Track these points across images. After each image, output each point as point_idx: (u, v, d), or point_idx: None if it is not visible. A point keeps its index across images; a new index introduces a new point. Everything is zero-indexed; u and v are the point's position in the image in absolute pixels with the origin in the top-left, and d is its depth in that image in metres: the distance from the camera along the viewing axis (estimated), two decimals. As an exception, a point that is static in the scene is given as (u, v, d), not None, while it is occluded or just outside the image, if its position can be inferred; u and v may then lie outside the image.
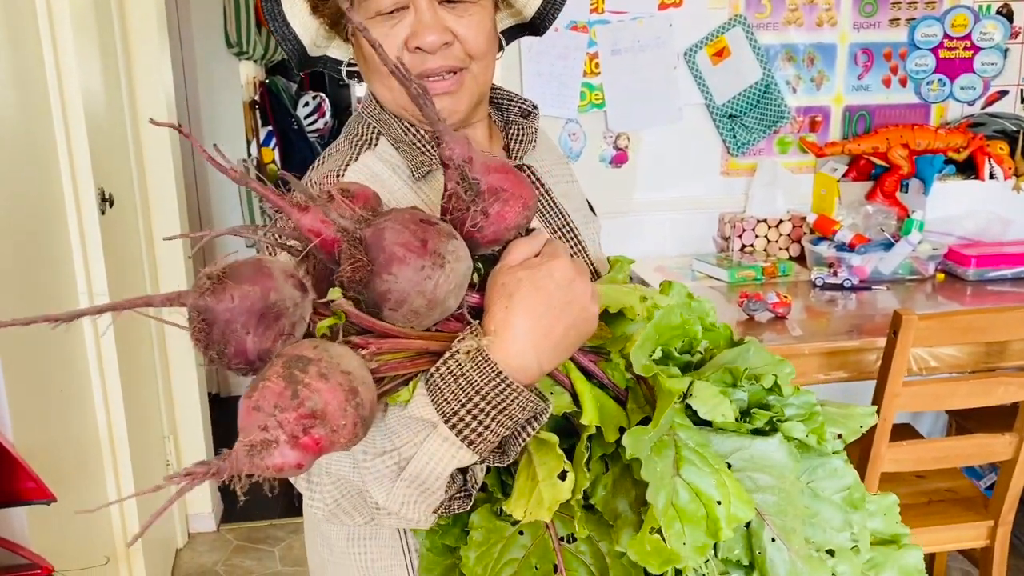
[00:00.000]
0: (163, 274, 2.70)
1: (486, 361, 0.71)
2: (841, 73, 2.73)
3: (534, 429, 0.74)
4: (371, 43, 0.71)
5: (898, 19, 2.70)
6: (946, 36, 2.73)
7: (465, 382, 0.71)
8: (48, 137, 1.91)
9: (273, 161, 3.98)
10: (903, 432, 2.27)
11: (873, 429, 1.79)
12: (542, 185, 1.06)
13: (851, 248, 2.44)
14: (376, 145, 0.99)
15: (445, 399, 0.71)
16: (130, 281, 2.40)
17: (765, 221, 2.69)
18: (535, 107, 1.12)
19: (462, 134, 0.81)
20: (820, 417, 0.78)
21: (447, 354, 0.72)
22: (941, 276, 2.46)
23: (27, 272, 1.71)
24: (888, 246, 2.44)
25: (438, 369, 0.72)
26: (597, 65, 2.60)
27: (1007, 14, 2.74)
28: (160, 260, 2.69)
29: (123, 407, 2.13)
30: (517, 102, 1.11)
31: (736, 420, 0.76)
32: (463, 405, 0.71)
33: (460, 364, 0.72)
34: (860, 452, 1.82)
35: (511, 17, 1.09)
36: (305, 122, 4.36)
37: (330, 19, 0.97)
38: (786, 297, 2.16)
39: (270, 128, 4.02)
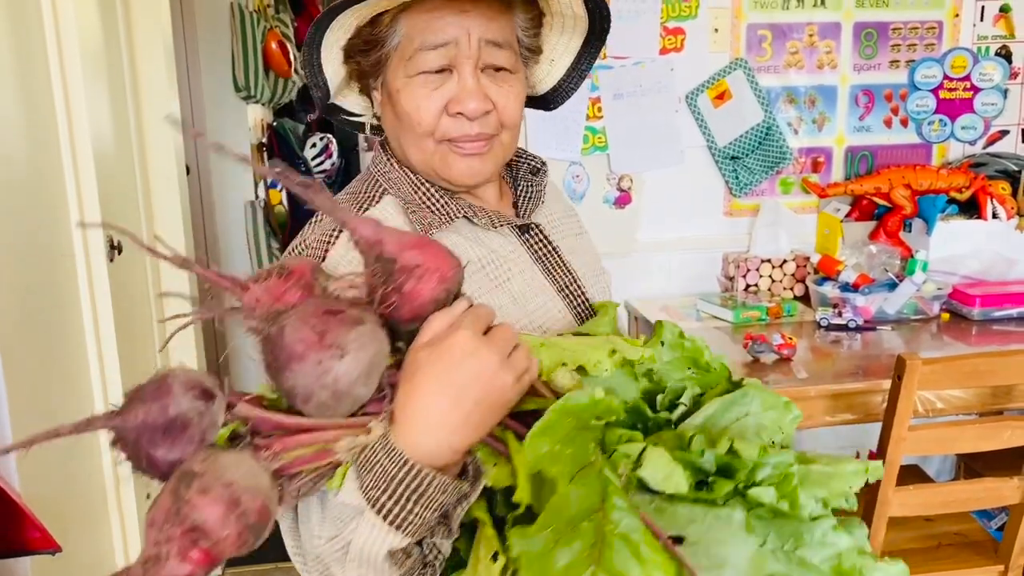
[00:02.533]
0: (169, 307, 2.71)
1: (393, 449, 0.71)
2: (842, 114, 2.75)
3: (463, 508, 0.74)
4: (259, 171, 0.75)
5: (898, 61, 2.73)
6: (946, 77, 2.75)
7: (381, 470, 0.71)
8: (58, 183, 1.93)
9: (281, 202, 4.02)
10: (911, 474, 2.25)
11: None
12: (549, 243, 1.07)
13: (855, 288, 2.45)
14: (379, 203, 1.00)
15: (368, 486, 0.72)
16: (137, 329, 2.41)
17: (769, 261, 2.69)
18: (544, 164, 1.13)
19: (370, 216, 0.86)
20: (794, 480, 0.72)
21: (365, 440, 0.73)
22: (946, 316, 2.46)
23: (36, 319, 1.72)
24: (892, 286, 2.45)
25: (360, 456, 0.73)
26: (600, 109, 2.63)
27: (1006, 55, 2.77)
28: (167, 307, 2.71)
29: (129, 453, 2.13)
30: (527, 159, 1.13)
31: (702, 484, 0.72)
32: (384, 492, 0.71)
33: (374, 451, 0.72)
34: (867, 496, 1.80)
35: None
36: (312, 163, 4.40)
37: (358, 71, 0.99)
38: (791, 339, 2.16)
39: (277, 170, 4.06)
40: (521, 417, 0.77)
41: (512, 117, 0.97)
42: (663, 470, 0.71)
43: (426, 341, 0.73)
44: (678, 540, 0.71)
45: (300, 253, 0.95)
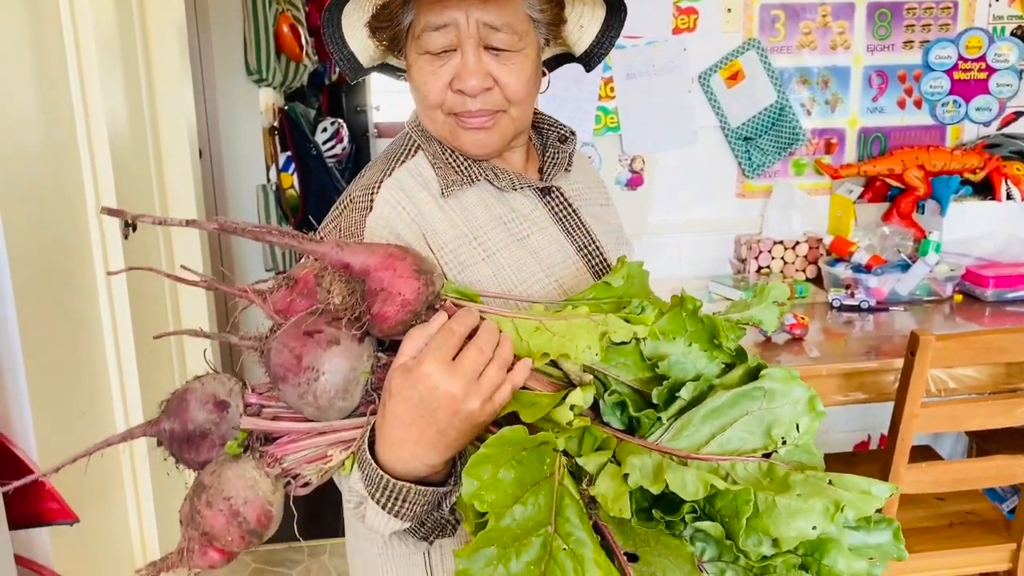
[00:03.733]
0: (183, 300, 2.73)
1: (375, 462, 0.80)
2: (856, 95, 2.74)
3: (450, 501, 0.83)
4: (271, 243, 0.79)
5: (912, 42, 2.72)
6: (960, 58, 2.74)
7: (371, 473, 0.80)
8: (74, 165, 1.95)
9: (292, 186, 4.03)
10: (923, 454, 2.25)
11: (892, 450, 1.78)
12: (569, 205, 1.12)
13: (868, 269, 2.44)
14: (413, 157, 1.07)
15: (365, 483, 0.81)
16: (151, 306, 2.43)
17: (782, 243, 2.69)
18: (573, 133, 1.18)
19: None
20: (744, 516, 0.69)
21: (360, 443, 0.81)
22: (959, 297, 2.45)
23: (52, 296, 1.74)
24: (905, 267, 2.44)
25: (359, 452, 0.81)
26: (612, 89, 2.62)
27: (1022, 36, 2.74)
28: (181, 286, 2.72)
29: (144, 429, 2.15)
30: (556, 127, 1.18)
31: (661, 502, 0.71)
32: (376, 490, 0.80)
33: (365, 457, 0.80)
34: (879, 474, 1.80)
35: (560, 47, 1.14)
36: (323, 147, 4.41)
37: (387, 43, 1.04)
38: (803, 319, 2.16)
39: (289, 154, 4.07)
40: (509, 417, 0.79)
41: (517, 92, 1.01)
42: (612, 492, 0.71)
43: (401, 365, 0.78)
44: (633, 558, 0.72)
45: (347, 206, 1.03)
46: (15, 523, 1.42)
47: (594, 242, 1.12)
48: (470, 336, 0.79)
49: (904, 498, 1.81)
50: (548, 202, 1.11)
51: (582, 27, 1.09)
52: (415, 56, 1.01)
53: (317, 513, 2.82)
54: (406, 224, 1.01)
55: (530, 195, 1.10)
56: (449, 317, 0.80)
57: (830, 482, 0.72)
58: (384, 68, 1.13)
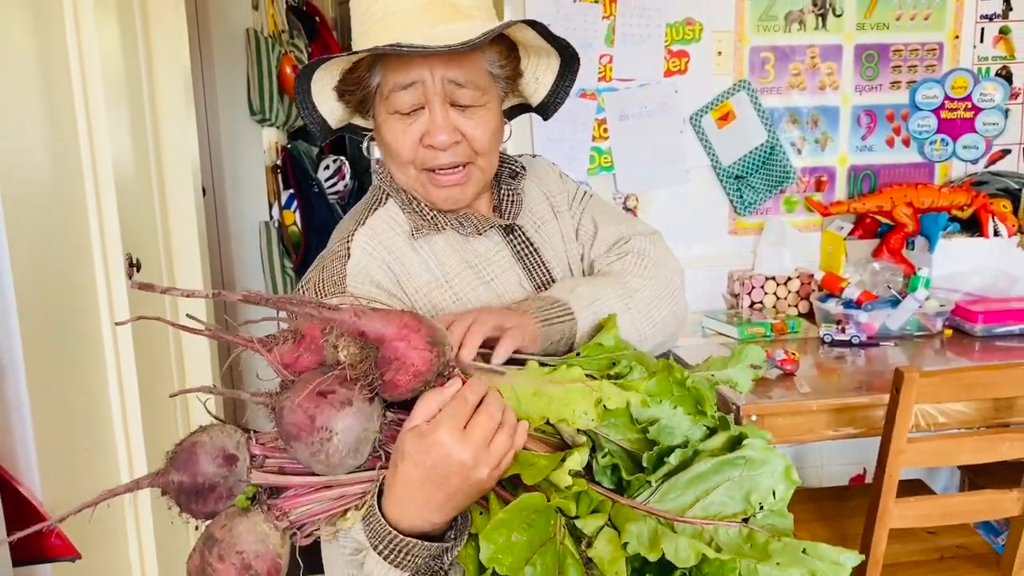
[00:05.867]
0: (186, 338, 2.77)
1: (382, 517, 0.83)
2: (845, 134, 2.80)
3: (451, 555, 0.86)
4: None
5: (899, 82, 2.78)
6: (947, 98, 2.80)
7: (377, 525, 0.84)
8: (79, 204, 1.99)
9: (294, 223, 4.08)
10: (914, 488, 2.27)
11: (881, 484, 1.81)
12: (530, 243, 1.18)
13: (859, 305, 2.48)
14: (384, 206, 1.14)
15: (369, 534, 0.85)
16: (155, 345, 2.47)
17: (773, 278, 2.73)
18: (524, 168, 1.23)
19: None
20: None
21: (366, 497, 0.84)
22: (949, 332, 2.49)
23: (57, 332, 1.78)
24: (895, 303, 2.48)
25: (363, 508, 0.85)
26: (605, 130, 2.69)
27: (1006, 76, 2.81)
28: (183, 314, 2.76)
29: (146, 466, 2.18)
30: (508, 163, 1.22)
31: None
32: (379, 542, 0.84)
33: (373, 511, 0.84)
34: (868, 508, 1.83)
35: (518, 99, 1.20)
36: (326, 184, 4.46)
37: (356, 105, 1.10)
38: (794, 354, 2.19)
39: (292, 191, 4.13)
40: (509, 478, 0.85)
41: (483, 144, 1.07)
42: (609, 556, 0.78)
43: (413, 428, 0.81)
44: None
45: (327, 258, 1.10)
46: (18, 559, 1.44)
47: (552, 280, 1.18)
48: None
49: (895, 532, 1.83)
50: (511, 240, 1.17)
51: (537, 79, 1.15)
52: (385, 116, 1.06)
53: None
54: (382, 271, 1.07)
55: (494, 235, 1.16)
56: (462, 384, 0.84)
57: (804, 551, 0.78)
58: (350, 127, 1.18)
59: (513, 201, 1.19)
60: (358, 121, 1.17)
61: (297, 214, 4.09)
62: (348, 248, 1.08)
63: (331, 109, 1.11)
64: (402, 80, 1.02)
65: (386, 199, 1.14)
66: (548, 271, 1.18)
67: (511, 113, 1.22)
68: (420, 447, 0.80)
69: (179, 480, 0.80)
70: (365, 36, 1.03)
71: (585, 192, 1.32)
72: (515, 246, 1.17)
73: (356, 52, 1.01)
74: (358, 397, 0.80)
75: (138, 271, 2.25)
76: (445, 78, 1.02)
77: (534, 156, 1.34)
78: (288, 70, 3.75)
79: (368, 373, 0.80)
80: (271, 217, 3.91)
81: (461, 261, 1.12)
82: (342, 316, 0.79)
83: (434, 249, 1.11)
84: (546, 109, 1.18)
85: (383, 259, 1.08)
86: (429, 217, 1.11)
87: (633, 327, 1.08)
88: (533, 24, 1.04)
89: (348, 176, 4.73)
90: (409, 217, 1.11)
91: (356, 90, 1.07)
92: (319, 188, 4.26)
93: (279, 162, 4.15)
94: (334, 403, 0.79)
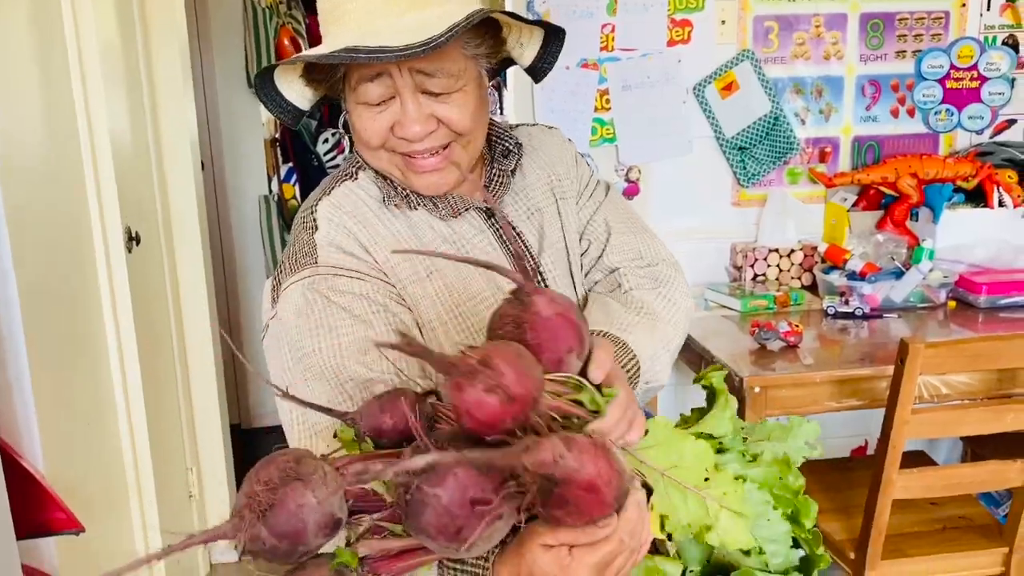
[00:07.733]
0: (187, 311, 2.76)
1: None
2: (849, 104, 2.77)
3: None
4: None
5: (904, 51, 2.75)
6: (953, 67, 2.77)
7: None
8: (78, 178, 1.98)
9: (294, 196, 4.06)
10: (917, 460, 2.27)
11: (884, 455, 1.81)
12: (513, 228, 1.12)
13: (862, 277, 2.47)
14: (356, 178, 1.09)
15: None
16: (155, 318, 2.46)
17: (777, 251, 2.72)
18: (518, 146, 1.16)
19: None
20: None
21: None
22: (953, 304, 2.48)
23: (58, 308, 1.77)
24: (899, 275, 2.47)
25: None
26: (608, 101, 2.66)
27: (1013, 45, 2.78)
28: (184, 297, 2.76)
29: (148, 439, 2.18)
30: (502, 140, 1.16)
31: None
32: None
33: None
34: (872, 479, 1.83)
35: (505, 55, 1.12)
36: (325, 158, 4.44)
37: (325, 89, 1.05)
38: (797, 326, 2.18)
39: (290, 164, 4.10)
40: None
41: (464, 125, 1.00)
42: None
43: (555, 551, 0.77)
44: None
45: (297, 226, 1.06)
46: (22, 533, 1.45)
47: (537, 269, 1.12)
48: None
49: (897, 503, 1.83)
50: (492, 224, 1.11)
51: (522, 44, 1.08)
52: (354, 104, 1.01)
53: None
54: (349, 241, 1.03)
55: (474, 217, 1.10)
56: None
57: None
58: (325, 100, 1.13)
59: (501, 183, 1.13)
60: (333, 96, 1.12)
61: (297, 188, 4.07)
62: (314, 219, 1.04)
63: (300, 92, 1.05)
64: (367, 72, 0.96)
65: (358, 172, 1.09)
66: (534, 258, 1.12)
67: (502, 65, 1.13)
68: (556, 566, 0.76)
69: (273, 545, 0.68)
70: (333, 18, 0.98)
71: (599, 183, 1.26)
72: (497, 230, 1.11)
73: (308, 56, 0.95)
74: (510, 511, 0.72)
75: (137, 244, 2.24)
76: (413, 69, 0.96)
77: (550, 128, 1.27)
78: (286, 41, 3.71)
79: (534, 506, 0.71)
80: (270, 191, 3.89)
81: (438, 235, 1.06)
82: (542, 454, 0.68)
83: (412, 221, 1.06)
84: (536, 72, 1.11)
85: (349, 229, 1.03)
86: (404, 194, 1.06)
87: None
88: (503, 14, 0.98)
89: (347, 150, 4.70)
90: (380, 185, 1.07)
91: (323, 79, 1.02)
92: (318, 161, 4.24)
93: (278, 135, 4.12)
94: (485, 516, 0.70)
